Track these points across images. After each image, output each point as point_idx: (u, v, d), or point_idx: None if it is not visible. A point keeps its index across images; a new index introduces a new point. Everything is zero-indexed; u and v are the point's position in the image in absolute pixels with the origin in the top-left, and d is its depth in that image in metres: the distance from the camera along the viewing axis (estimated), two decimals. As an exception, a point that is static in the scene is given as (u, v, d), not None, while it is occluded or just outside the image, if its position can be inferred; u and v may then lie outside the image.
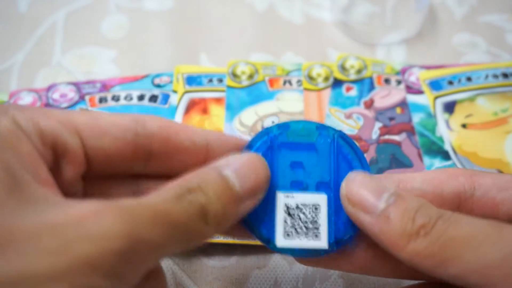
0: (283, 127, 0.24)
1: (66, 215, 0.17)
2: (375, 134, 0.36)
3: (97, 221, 0.17)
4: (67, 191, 0.22)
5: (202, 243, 0.21)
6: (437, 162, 0.35)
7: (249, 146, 0.24)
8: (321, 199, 0.23)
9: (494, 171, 0.34)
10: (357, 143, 0.24)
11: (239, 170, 0.21)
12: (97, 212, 0.18)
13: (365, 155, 0.35)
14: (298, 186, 0.23)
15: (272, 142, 0.24)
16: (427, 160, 0.35)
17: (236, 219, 0.21)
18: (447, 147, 0.36)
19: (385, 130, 0.37)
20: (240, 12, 0.45)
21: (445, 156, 0.35)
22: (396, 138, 0.36)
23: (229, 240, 0.31)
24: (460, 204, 0.23)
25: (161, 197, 0.20)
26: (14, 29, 0.43)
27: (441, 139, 0.36)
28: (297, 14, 0.45)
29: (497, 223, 0.20)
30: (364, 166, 0.24)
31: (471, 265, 0.19)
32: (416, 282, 0.24)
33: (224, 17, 0.44)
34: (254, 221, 0.23)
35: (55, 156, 0.22)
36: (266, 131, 0.24)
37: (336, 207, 0.23)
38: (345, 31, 0.43)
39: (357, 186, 0.22)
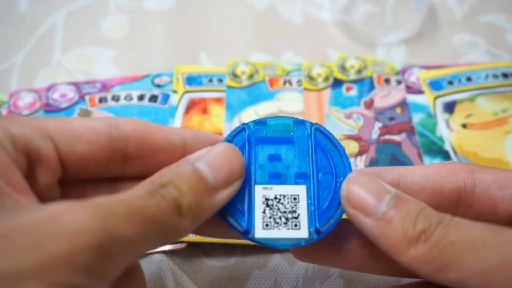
0: (261, 123, 0.24)
1: (40, 215, 0.17)
2: (375, 134, 0.36)
3: (71, 218, 0.17)
4: (44, 196, 0.22)
5: (179, 238, 0.21)
6: (437, 162, 0.35)
7: (226, 141, 0.24)
8: (300, 189, 0.23)
9: (494, 171, 0.34)
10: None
11: (212, 161, 0.21)
12: (70, 209, 0.18)
13: (365, 155, 0.35)
14: (277, 178, 0.23)
15: (250, 137, 0.24)
16: (427, 160, 0.35)
17: (212, 211, 0.21)
18: (447, 147, 0.36)
19: (385, 130, 0.37)
20: (240, 12, 0.45)
21: (445, 156, 0.35)
22: (396, 138, 0.36)
23: (229, 240, 0.31)
24: (460, 199, 0.23)
25: (136, 193, 0.20)
26: (14, 29, 0.43)
27: (441, 139, 0.36)
28: (297, 14, 0.45)
29: (496, 227, 0.20)
30: (343, 156, 0.24)
31: (471, 269, 0.19)
32: (414, 280, 0.24)
33: (224, 17, 0.44)
34: (232, 213, 0.23)
35: (29, 162, 0.21)
36: (243, 126, 0.24)
37: (315, 197, 0.23)
38: (345, 31, 0.43)
39: (358, 187, 0.22)
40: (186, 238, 0.31)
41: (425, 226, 0.20)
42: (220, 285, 0.30)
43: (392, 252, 0.21)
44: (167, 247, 0.31)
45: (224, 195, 0.22)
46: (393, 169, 0.24)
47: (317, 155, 0.24)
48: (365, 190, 0.21)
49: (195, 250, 0.32)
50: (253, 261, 0.31)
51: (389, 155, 0.35)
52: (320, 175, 0.23)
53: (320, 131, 0.24)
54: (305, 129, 0.24)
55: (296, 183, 0.23)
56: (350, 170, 0.23)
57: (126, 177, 0.25)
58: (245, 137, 0.24)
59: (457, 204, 0.23)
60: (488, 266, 0.19)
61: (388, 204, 0.21)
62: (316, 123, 0.24)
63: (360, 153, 0.35)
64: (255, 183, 0.23)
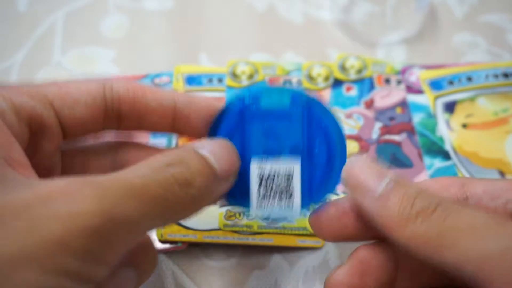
0: (255, 98, 0.24)
1: (34, 194, 0.17)
2: (375, 134, 0.36)
3: (67, 199, 0.17)
4: (45, 164, 0.22)
5: (182, 218, 0.21)
6: (438, 162, 0.35)
7: (221, 117, 0.24)
8: (294, 165, 0.23)
9: (495, 171, 0.34)
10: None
11: (215, 151, 0.22)
12: (67, 189, 0.17)
13: (365, 155, 0.35)
14: (272, 153, 0.24)
15: (244, 113, 0.24)
16: (427, 160, 0.35)
17: (214, 198, 0.22)
18: (447, 147, 0.36)
19: (385, 130, 0.37)
20: (240, 12, 0.45)
21: (446, 156, 0.35)
22: (396, 138, 0.36)
23: (229, 240, 0.31)
24: None
25: (138, 171, 0.19)
26: (13, 29, 0.43)
27: (441, 139, 0.36)
28: (297, 14, 0.44)
29: (501, 218, 0.20)
30: (338, 130, 0.24)
31: (469, 254, 0.19)
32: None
33: (224, 17, 0.44)
34: (229, 192, 0.23)
35: (31, 132, 0.21)
36: (238, 99, 0.24)
37: (309, 172, 0.23)
38: (345, 31, 0.43)
39: (358, 169, 0.22)
40: (186, 239, 0.31)
41: (423, 206, 0.20)
42: (220, 285, 0.30)
43: (389, 231, 0.21)
44: (167, 246, 0.31)
45: (223, 185, 0.22)
46: None
47: (312, 129, 0.24)
48: (364, 172, 0.22)
49: (195, 250, 0.32)
50: (253, 261, 0.31)
51: (389, 155, 0.35)
52: (315, 150, 0.24)
53: (316, 104, 0.24)
54: (300, 103, 0.24)
55: (291, 158, 0.23)
56: (344, 144, 0.24)
57: (129, 143, 0.25)
58: (240, 113, 0.24)
59: None
60: (487, 253, 0.18)
61: (387, 185, 0.21)
62: (312, 97, 0.24)
63: (360, 153, 0.35)
64: (251, 158, 0.24)
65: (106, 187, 0.18)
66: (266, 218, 0.23)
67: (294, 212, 0.23)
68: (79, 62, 0.41)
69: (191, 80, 0.39)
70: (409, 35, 0.43)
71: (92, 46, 0.42)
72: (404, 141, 0.36)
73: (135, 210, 0.18)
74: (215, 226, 0.32)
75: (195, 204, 0.21)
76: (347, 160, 0.23)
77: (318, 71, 0.39)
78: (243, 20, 0.44)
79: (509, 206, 0.23)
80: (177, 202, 0.20)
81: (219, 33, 0.43)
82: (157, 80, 0.39)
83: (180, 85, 0.38)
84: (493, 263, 0.18)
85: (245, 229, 0.32)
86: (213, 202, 0.22)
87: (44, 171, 0.22)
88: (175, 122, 0.25)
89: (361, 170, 0.22)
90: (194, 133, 0.25)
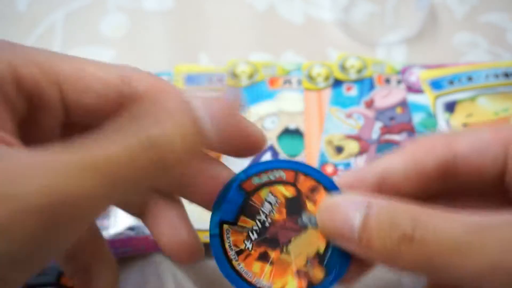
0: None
1: None
2: (375, 134, 0.36)
3: (13, 175, 0.15)
4: (44, 138, 0.21)
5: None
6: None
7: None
8: None
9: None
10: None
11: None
12: (16, 165, 0.16)
13: (366, 155, 0.35)
14: None
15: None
16: (427, 160, 0.35)
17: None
18: (447, 147, 0.36)
19: (386, 129, 0.36)
20: (240, 11, 0.45)
21: (446, 156, 0.35)
22: (396, 138, 0.36)
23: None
24: (445, 173, 0.23)
25: (104, 143, 0.17)
26: (13, 28, 0.43)
27: (441, 139, 0.36)
28: (297, 14, 0.44)
29: (477, 225, 0.19)
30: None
31: (462, 274, 0.19)
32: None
33: (224, 17, 0.44)
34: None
35: (30, 106, 0.20)
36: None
37: None
38: (345, 30, 0.43)
39: (329, 217, 0.21)
40: (185, 238, 0.31)
41: (399, 236, 0.20)
42: (220, 285, 0.30)
43: (387, 266, 0.21)
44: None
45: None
46: (376, 166, 0.23)
47: None
48: (336, 218, 0.21)
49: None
50: (253, 261, 0.31)
51: (389, 155, 0.35)
52: None
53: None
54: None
55: None
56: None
57: None
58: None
59: (443, 178, 0.23)
60: (478, 271, 0.18)
61: (360, 224, 0.20)
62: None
63: (360, 153, 0.35)
64: None
65: (62, 163, 0.16)
66: None
67: None
68: (79, 62, 0.41)
69: (191, 79, 0.39)
70: (409, 35, 0.43)
71: (92, 46, 0.42)
72: (404, 141, 0.36)
73: (92, 187, 0.16)
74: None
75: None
76: (318, 211, 0.22)
77: (318, 71, 0.39)
78: (243, 20, 0.44)
79: (497, 161, 0.22)
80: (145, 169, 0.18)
81: (219, 32, 0.43)
82: (157, 80, 0.39)
83: (180, 85, 0.38)
84: (486, 281, 0.18)
85: (245, 229, 0.31)
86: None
87: (41, 145, 0.21)
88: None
89: (330, 219, 0.21)
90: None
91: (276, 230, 0.22)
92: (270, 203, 0.22)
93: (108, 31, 0.43)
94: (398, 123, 0.37)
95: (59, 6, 0.44)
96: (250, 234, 0.22)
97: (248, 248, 0.22)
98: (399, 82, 0.39)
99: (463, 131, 0.24)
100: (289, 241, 0.22)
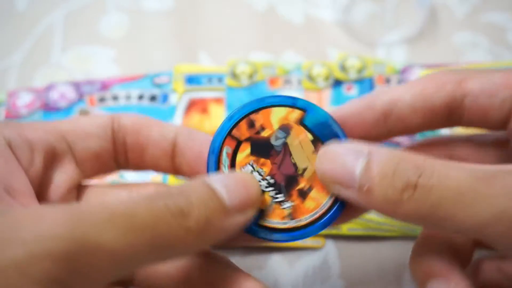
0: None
1: (5, 218, 0.16)
2: (375, 134, 0.36)
3: (35, 223, 0.16)
4: (60, 198, 0.22)
5: (180, 255, 0.20)
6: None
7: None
8: None
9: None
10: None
11: (228, 183, 0.20)
12: (38, 214, 0.16)
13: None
14: None
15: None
16: (428, 160, 0.35)
17: (222, 234, 0.20)
18: (448, 147, 0.36)
19: (386, 130, 0.36)
20: (240, 11, 0.44)
21: (446, 156, 0.35)
22: (396, 138, 0.36)
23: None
24: (451, 112, 0.23)
25: (128, 199, 0.18)
26: (12, 28, 0.43)
27: (442, 139, 0.36)
28: (297, 14, 0.44)
29: (484, 174, 0.19)
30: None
31: (466, 224, 0.18)
32: None
33: (224, 17, 0.44)
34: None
35: (46, 163, 0.22)
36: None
37: None
38: (345, 30, 0.43)
39: (329, 164, 0.21)
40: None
41: (403, 184, 0.19)
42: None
43: (384, 214, 0.20)
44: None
45: (237, 220, 0.20)
46: (383, 96, 0.23)
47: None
48: (336, 163, 0.21)
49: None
50: (253, 261, 0.31)
51: (389, 155, 0.35)
52: None
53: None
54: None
55: None
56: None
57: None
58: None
59: (449, 117, 0.23)
60: (482, 221, 0.18)
61: (362, 169, 0.20)
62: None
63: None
64: None
65: (82, 212, 0.17)
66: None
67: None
68: (79, 61, 0.41)
69: (191, 79, 0.39)
70: (410, 35, 0.43)
71: (92, 45, 0.42)
72: (404, 141, 0.36)
73: (114, 239, 0.16)
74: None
75: (195, 238, 0.19)
76: (317, 158, 0.22)
77: (318, 71, 0.39)
78: (243, 20, 0.44)
79: (505, 105, 0.22)
80: (171, 233, 0.18)
81: (219, 32, 0.43)
82: (157, 80, 0.39)
83: (179, 85, 0.38)
84: (489, 230, 0.18)
85: (245, 229, 0.31)
86: (223, 237, 0.20)
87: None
88: (174, 153, 0.24)
89: (331, 164, 0.21)
90: (193, 172, 0.24)
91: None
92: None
93: (108, 31, 0.43)
94: (399, 123, 0.37)
95: (58, 6, 0.44)
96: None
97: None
98: (399, 82, 0.39)
99: (474, 72, 0.23)
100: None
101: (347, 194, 0.21)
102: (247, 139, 0.23)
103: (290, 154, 0.23)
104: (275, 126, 0.23)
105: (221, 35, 0.43)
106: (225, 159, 0.22)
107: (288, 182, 0.22)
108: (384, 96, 0.23)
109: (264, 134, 0.23)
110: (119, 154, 0.24)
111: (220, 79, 0.39)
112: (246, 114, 0.23)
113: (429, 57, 0.41)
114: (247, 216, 0.20)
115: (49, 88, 0.38)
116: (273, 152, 0.23)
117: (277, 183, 0.22)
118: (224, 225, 0.19)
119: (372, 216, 0.32)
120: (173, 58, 0.41)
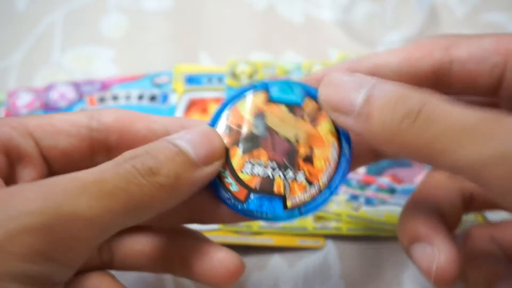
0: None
1: None
2: (375, 134, 0.36)
3: (8, 203, 0.16)
4: None
5: (157, 211, 0.20)
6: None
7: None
8: None
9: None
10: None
11: (191, 139, 0.21)
12: (10, 194, 0.17)
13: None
14: None
15: None
16: (428, 160, 0.35)
17: (194, 186, 0.21)
18: (448, 147, 0.35)
19: (386, 129, 0.36)
20: (240, 11, 0.44)
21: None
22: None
23: (229, 240, 0.31)
24: (438, 79, 0.22)
25: (96, 168, 0.19)
26: (12, 28, 0.43)
27: (442, 138, 0.36)
28: (297, 13, 0.44)
29: (494, 114, 0.18)
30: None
31: (466, 159, 0.18)
32: None
33: (224, 16, 0.44)
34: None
35: (9, 161, 0.21)
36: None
37: None
38: (345, 30, 0.43)
39: (332, 89, 0.21)
40: (185, 239, 0.31)
41: (405, 111, 0.19)
42: (220, 286, 0.30)
43: (379, 144, 0.20)
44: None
45: (206, 171, 0.21)
46: (367, 60, 0.23)
47: None
48: (339, 89, 0.21)
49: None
50: (253, 261, 0.31)
51: (390, 155, 0.35)
52: None
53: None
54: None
55: None
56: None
57: None
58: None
59: (436, 84, 0.22)
60: (485, 157, 0.17)
61: (364, 97, 0.20)
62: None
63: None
64: None
65: (53, 186, 0.17)
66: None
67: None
68: (79, 61, 0.41)
69: (191, 79, 0.39)
70: (410, 35, 0.43)
71: (92, 45, 0.42)
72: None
73: (88, 206, 0.17)
74: (215, 226, 0.31)
75: (168, 193, 0.19)
76: (321, 83, 0.22)
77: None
78: (243, 19, 0.44)
79: (495, 71, 0.21)
80: (144, 192, 0.18)
81: (219, 32, 0.43)
82: (157, 80, 0.39)
83: (179, 85, 0.38)
84: (489, 169, 0.17)
85: (245, 229, 0.31)
86: (195, 188, 0.21)
87: None
88: None
89: (334, 89, 0.21)
90: None
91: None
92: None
93: (108, 31, 0.43)
94: (399, 123, 0.37)
95: (58, 6, 0.44)
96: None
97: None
98: (399, 82, 0.39)
99: (463, 36, 0.23)
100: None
101: (346, 121, 0.20)
102: (232, 144, 0.23)
103: (277, 133, 0.23)
104: (250, 117, 0.23)
105: (221, 35, 0.43)
106: (223, 172, 0.23)
107: (289, 157, 0.23)
108: (367, 62, 0.23)
109: (244, 130, 0.23)
110: (98, 154, 0.23)
111: (220, 79, 0.39)
112: (219, 123, 0.23)
113: (429, 57, 0.41)
114: (215, 167, 0.21)
115: (49, 88, 0.38)
116: (261, 140, 0.23)
117: (280, 164, 0.23)
118: (194, 177, 0.20)
119: (372, 216, 0.32)
120: (173, 58, 0.41)
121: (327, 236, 0.32)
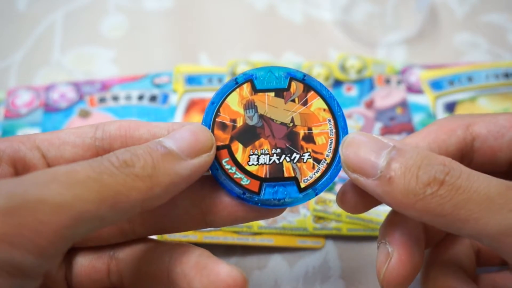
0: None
1: None
2: (375, 134, 0.36)
3: None
4: None
5: (135, 202, 0.19)
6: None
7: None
8: None
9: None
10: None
11: (174, 135, 0.21)
12: None
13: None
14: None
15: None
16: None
17: (181, 177, 0.20)
18: (448, 147, 0.36)
19: (386, 130, 0.36)
20: (240, 11, 0.45)
21: (446, 156, 0.35)
22: (396, 138, 0.36)
23: (229, 241, 0.31)
24: (462, 157, 0.23)
25: (71, 163, 0.19)
26: (13, 28, 0.43)
27: (442, 139, 0.36)
28: (297, 14, 0.44)
29: None
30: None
31: (488, 229, 0.18)
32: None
33: (224, 17, 0.44)
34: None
35: (16, 172, 0.22)
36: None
37: None
38: (345, 30, 0.43)
39: (354, 150, 0.21)
40: (186, 239, 0.31)
41: (429, 178, 0.19)
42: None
43: (399, 208, 0.20)
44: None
45: (192, 163, 0.21)
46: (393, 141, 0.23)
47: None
48: (361, 151, 0.21)
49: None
50: (253, 261, 0.31)
51: (389, 155, 0.35)
52: None
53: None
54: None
55: None
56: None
57: None
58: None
59: (461, 160, 0.23)
60: (507, 229, 0.18)
61: (386, 160, 0.20)
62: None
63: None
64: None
65: (25, 177, 0.18)
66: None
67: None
68: (79, 61, 0.41)
69: (191, 80, 0.39)
70: (410, 35, 0.43)
71: (92, 46, 0.42)
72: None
73: (58, 192, 0.17)
74: (215, 226, 0.31)
75: (146, 183, 0.19)
76: (342, 140, 0.22)
77: (318, 71, 0.39)
78: (243, 20, 0.44)
79: None
80: (118, 182, 0.19)
81: (219, 33, 0.43)
82: (157, 80, 0.39)
83: (180, 85, 0.38)
84: (509, 239, 0.18)
85: (245, 229, 0.31)
86: (182, 179, 0.21)
87: None
88: None
89: (356, 150, 0.21)
90: None
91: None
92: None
93: (108, 31, 0.43)
94: (398, 124, 0.37)
95: (59, 6, 0.44)
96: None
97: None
98: (399, 82, 0.39)
99: (478, 115, 0.24)
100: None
101: (366, 183, 0.20)
102: (231, 140, 0.23)
103: (272, 119, 0.23)
104: (241, 110, 0.23)
105: (221, 35, 0.43)
106: (231, 169, 0.23)
107: (290, 140, 0.23)
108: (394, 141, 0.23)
109: (239, 123, 0.23)
110: None
111: (220, 80, 0.39)
112: (213, 123, 0.23)
113: (429, 57, 0.42)
114: (203, 159, 0.21)
115: (50, 88, 0.38)
116: (258, 129, 0.23)
117: (284, 149, 0.23)
118: (177, 169, 0.20)
119: (372, 217, 0.32)
120: (173, 58, 0.41)
121: (327, 237, 0.32)
